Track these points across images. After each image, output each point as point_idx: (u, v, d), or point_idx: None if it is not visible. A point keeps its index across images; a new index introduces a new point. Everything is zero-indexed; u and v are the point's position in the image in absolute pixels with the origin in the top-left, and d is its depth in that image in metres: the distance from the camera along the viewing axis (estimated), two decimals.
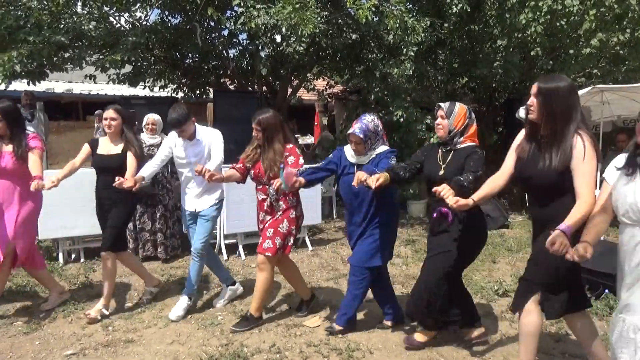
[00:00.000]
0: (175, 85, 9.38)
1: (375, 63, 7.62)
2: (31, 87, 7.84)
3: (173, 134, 4.05)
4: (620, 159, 2.25)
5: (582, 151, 2.40)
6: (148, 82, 8.79)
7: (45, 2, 6.78)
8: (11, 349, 3.42)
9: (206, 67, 9.01)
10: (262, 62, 7.35)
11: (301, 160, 3.69)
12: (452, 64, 8.72)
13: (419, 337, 3.42)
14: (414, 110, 7.45)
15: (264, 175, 3.64)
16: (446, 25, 8.35)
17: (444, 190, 2.63)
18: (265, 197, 3.70)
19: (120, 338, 3.56)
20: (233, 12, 7.54)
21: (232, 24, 7.09)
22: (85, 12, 7.32)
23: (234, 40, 8.45)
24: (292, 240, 3.73)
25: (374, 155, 3.47)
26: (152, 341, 3.54)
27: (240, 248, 5.84)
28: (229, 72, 8.94)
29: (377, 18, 7.02)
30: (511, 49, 8.08)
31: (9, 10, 6.49)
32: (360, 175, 3.02)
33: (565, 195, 2.48)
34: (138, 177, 3.79)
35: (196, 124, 4.00)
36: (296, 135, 10.47)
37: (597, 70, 8.83)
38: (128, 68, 7.97)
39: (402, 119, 7.33)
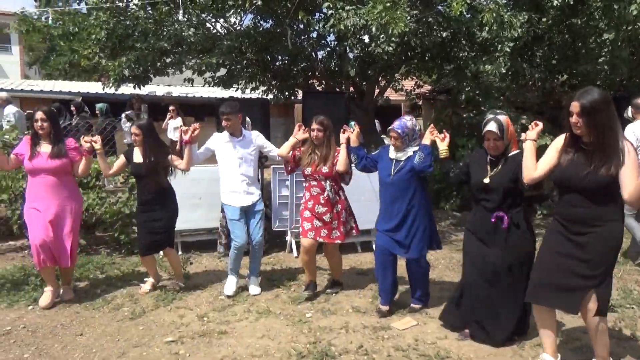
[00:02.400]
0: (265, 87, 9.68)
1: (466, 61, 7.34)
2: (137, 91, 8.48)
3: (216, 136, 4.57)
4: None
5: (634, 157, 2.66)
6: (240, 84, 9.16)
7: (150, 12, 7.31)
8: (119, 332, 3.72)
9: (295, 69, 9.21)
10: (350, 63, 7.37)
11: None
12: (551, 61, 8.20)
13: None
14: (508, 110, 7.09)
15: (320, 171, 4.16)
16: (544, 19, 7.87)
17: None
18: (320, 191, 4.19)
19: (214, 329, 3.74)
20: (322, 14, 7.64)
21: (321, 26, 7.18)
22: (185, 19, 7.78)
23: (323, 41, 8.56)
24: (350, 227, 4.34)
25: (411, 153, 3.81)
26: (243, 334, 3.67)
27: (294, 245, 5.92)
28: (317, 73, 9.07)
29: (470, 14, 6.78)
30: (619, 43, 7.44)
31: (119, 20, 7.07)
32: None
33: (614, 193, 2.68)
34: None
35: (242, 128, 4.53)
36: (382, 136, 10.35)
37: None
38: (222, 71, 8.36)
39: None
